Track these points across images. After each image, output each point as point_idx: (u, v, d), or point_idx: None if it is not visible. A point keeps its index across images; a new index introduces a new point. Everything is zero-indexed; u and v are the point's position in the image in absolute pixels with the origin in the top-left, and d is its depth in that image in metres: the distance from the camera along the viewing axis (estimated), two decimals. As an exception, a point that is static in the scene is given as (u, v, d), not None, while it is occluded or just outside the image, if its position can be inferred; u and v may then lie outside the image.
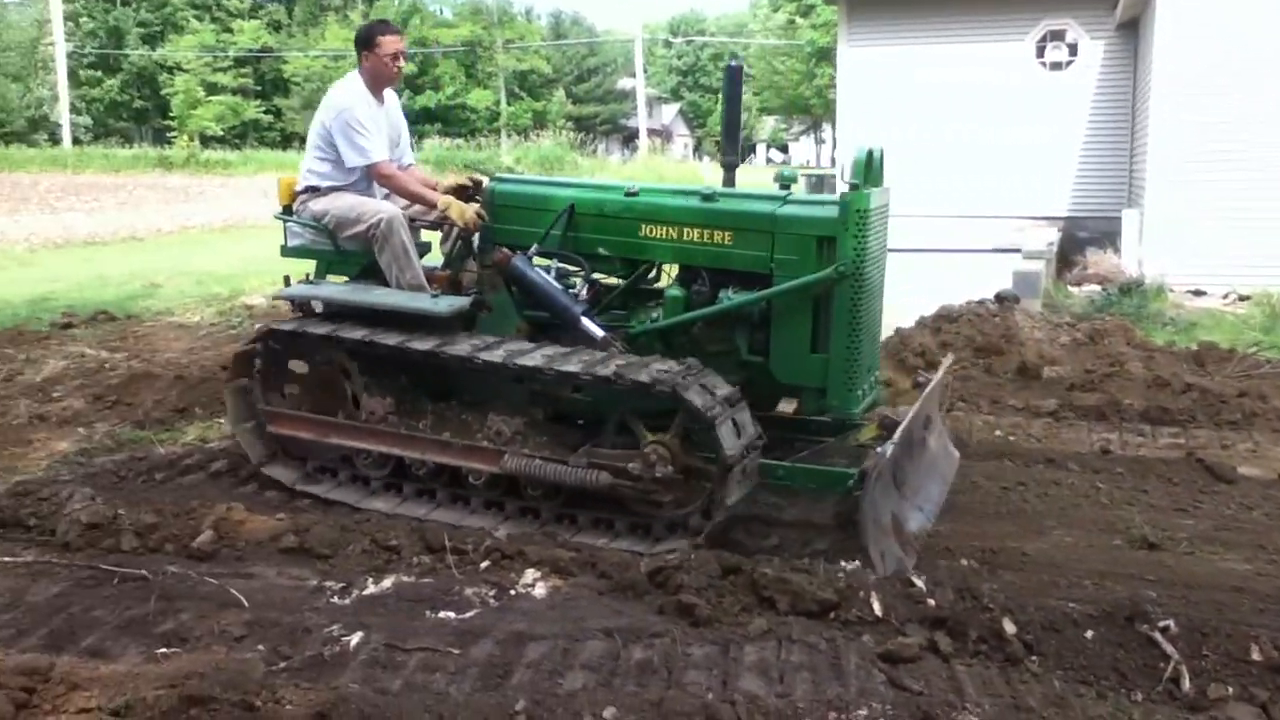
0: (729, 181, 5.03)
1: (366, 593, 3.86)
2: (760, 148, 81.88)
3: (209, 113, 54.48)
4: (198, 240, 16.74)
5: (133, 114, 60.82)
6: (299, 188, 5.33)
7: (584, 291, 4.93)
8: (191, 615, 3.59)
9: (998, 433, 6.21)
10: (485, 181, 5.23)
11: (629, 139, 63.77)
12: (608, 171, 42.15)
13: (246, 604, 3.69)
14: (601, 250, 4.95)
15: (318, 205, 5.21)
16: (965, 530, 4.62)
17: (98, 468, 5.36)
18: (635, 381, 4.25)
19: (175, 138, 48.98)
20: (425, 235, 5.49)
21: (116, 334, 8.81)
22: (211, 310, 9.81)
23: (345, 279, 5.30)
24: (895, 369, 7.35)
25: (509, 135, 56.40)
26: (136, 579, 3.88)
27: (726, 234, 4.66)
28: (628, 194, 4.92)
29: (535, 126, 60.63)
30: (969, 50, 15.26)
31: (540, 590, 3.86)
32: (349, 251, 5.23)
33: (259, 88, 59.98)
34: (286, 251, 5.46)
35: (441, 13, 65.94)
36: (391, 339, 4.74)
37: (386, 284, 5.08)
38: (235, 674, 3.05)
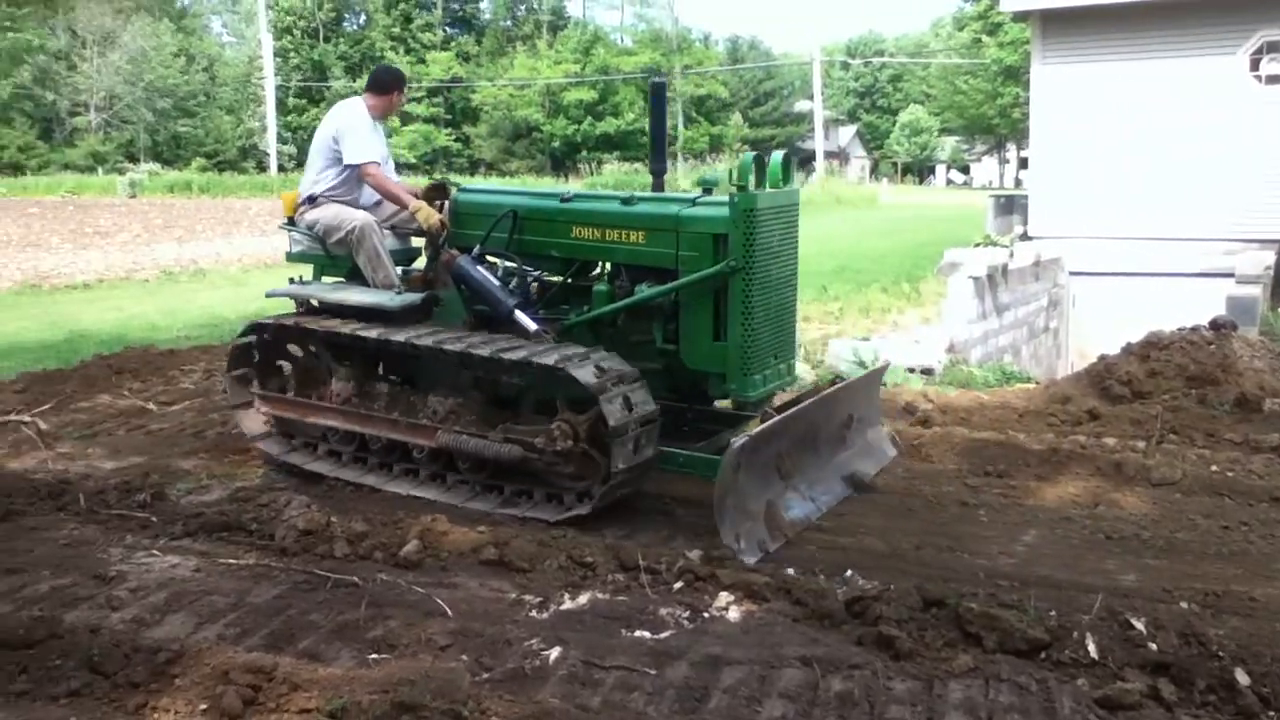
0: (658, 187, 5.59)
1: (564, 607, 3.91)
2: (940, 169, 79.96)
3: (403, 140, 57.14)
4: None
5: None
6: (300, 199, 5.95)
7: (532, 288, 5.54)
8: (399, 622, 3.72)
9: (1214, 468, 5.81)
10: (453, 191, 5.86)
11: (804, 161, 63.33)
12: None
13: (450, 613, 3.80)
14: (542, 251, 5.54)
15: (310, 216, 5.87)
16: (1183, 570, 4.33)
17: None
18: (540, 365, 4.74)
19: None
20: (416, 241, 6.05)
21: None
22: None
23: (335, 280, 5.97)
24: (1099, 397, 7.01)
25: (685, 159, 56.91)
26: (348, 585, 4.05)
27: (640, 234, 5.17)
28: (562, 200, 5.54)
29: (711, 150, 61.01)
30: (1173, 65, 14.46)
31: (734, 614, 3.83)
32: (338, 255, 5.86)
33: (449, 116, 62.49)
34: (290, 257, 6.18)
35: (622, 41, 67.25)
36: (348, 329, 5.38)
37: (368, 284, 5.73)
38: (443, 683, 3.13)
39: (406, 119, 59.05)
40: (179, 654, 3.32)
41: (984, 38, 51.94)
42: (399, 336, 5.19)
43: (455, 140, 61.62)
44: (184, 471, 5.61)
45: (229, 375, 5.90)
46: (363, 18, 69.05)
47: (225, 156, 60.79)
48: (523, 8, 68.88)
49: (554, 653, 3.48)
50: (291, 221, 6.05)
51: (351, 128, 5.75)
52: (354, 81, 62.62)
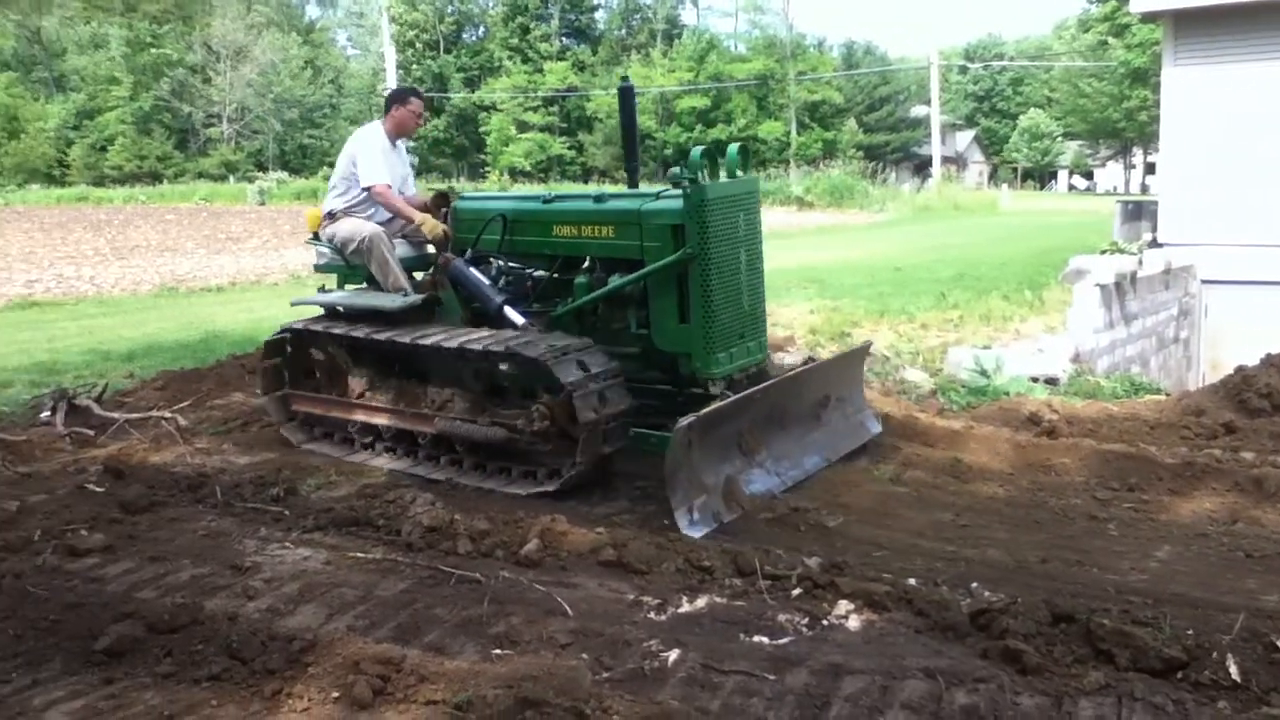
0: (632, 185, 6.08)
1: (682, 610, 3.93)
2: (1062, 175, 77.64)
3: (519, 149, 58.08)
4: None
5: (453, 151, 65.67)
6: (322, 214, 6.53)
7: (527, 284, 6.00)
8: (521, 619, 3.78)
9: (1366, 488, 5.51)
10: (452, 200, 6.36)
11: (921, 167, 62.19)
12: (899, 201, 41.33)
13: (570, 612, 3.85)
14: (530, 250, 6.04)
15: (329, 230, 6.43)
16: (1332, 594, 4.12)
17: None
18: (525, 357, 5.17)
19: (488, 172, 52.49)
20: (432, 249, 6.45)
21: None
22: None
23: (357, 287, 6.50)
24: (1236, 410, 6.72)
25: (798, 165, 56.52)
26: (471, 581, 4.14)
27: (610, 228, 5.63)
28: (544, 201, 6.10)
29: (825, 156, 60.41)
30: (1319, 63, 13.76)
31: (854, 623, 3.79)
32: (356, 265, 6.39)
33: (564, 124, 63.25)
34: (317, 268, 6.77)
35: (736, 48, 67.12)
36: (360, 331, 5.99)
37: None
38: (566, 680, 3.17)
39: (523, 128, 60.04)
40: (312, 643, 3.44)
41: (1110, 40, 50.30)
42: (382, 336, 5.83)
43: (569, 148, 62.34)
44: (313, 468, 5.80)
45: (261, 366, 6.54)
46: (481, 29, 70.49)
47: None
48: (637, 17, 69.34)
49: (673, 655, 3.50)
50: (316, 236, 6.60)
51: (364, 153, 6.31)
52: (472, 93, 64.02)
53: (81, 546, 4.49)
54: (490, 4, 69.42)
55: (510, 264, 6.08)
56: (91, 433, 6.57)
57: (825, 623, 3.80)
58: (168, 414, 6.53)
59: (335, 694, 3.16)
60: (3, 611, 3.78)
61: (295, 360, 6.57)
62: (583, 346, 5.37)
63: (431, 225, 6.11)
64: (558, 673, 3.25)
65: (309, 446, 6.33)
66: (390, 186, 6.29)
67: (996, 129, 77.10)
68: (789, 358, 8.88)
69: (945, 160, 58.27)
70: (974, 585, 4.09)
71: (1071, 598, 3.87)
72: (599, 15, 70.08)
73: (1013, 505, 5.16)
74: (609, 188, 47.58)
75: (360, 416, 6.16)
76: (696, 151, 5.28)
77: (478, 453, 5.65)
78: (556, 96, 62.29)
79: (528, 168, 58.14)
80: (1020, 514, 5.04)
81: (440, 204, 6.33)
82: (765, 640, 3.67)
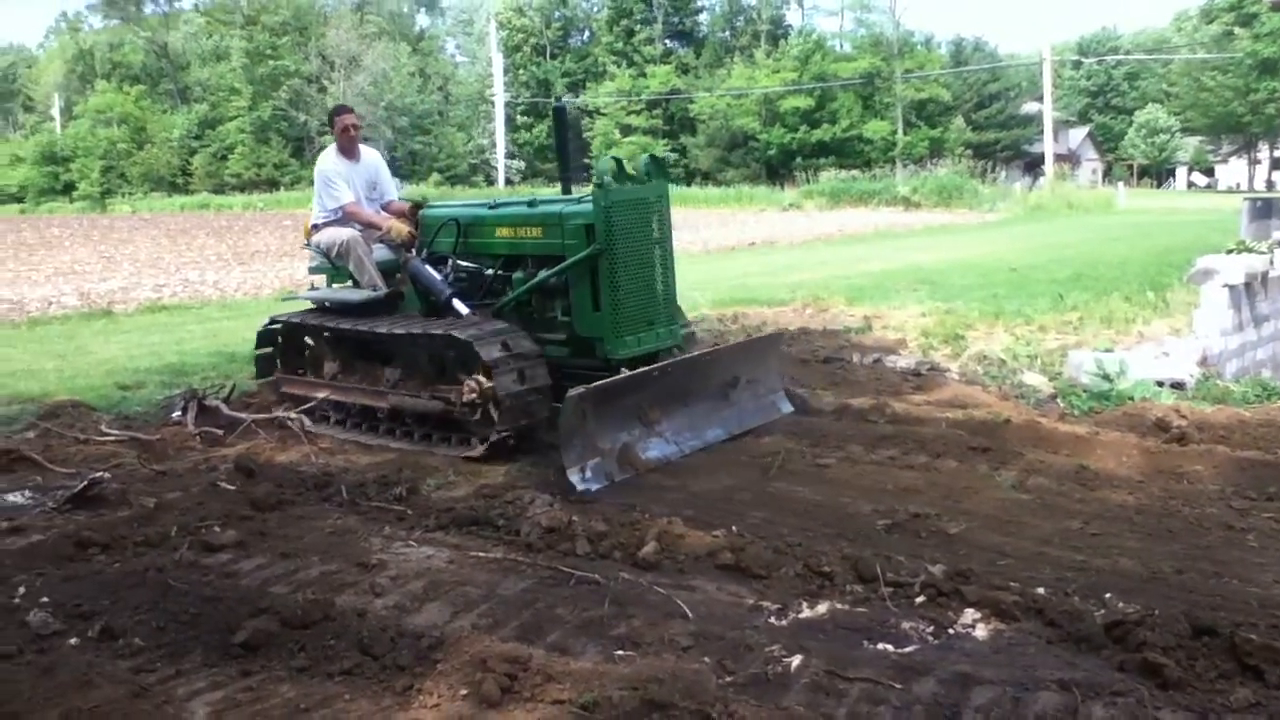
0: (565, 192, 6.73)
1: (802, 616, 3.89)
2: (1180, 171, 74.87)
3: (622, 152, 58.38)
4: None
5: (556, 156, 66.36)
6: (310, 226, 7.45)
7: (479, 281, 6.73)
8: (642, 621, 3.80)
9: None
10: (422, 209, 7.24)
11: (1032, 165, 60.56)
12: (1010, 200, 40.35)
13: (690, 615, 3.85)
14: (480, 250, 6.79)
15: (315, 238, 7.36)
16: None
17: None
18: (455, 339, 5.97)
19: (590, 176, 52.91)
20: None
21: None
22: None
23: (342, 285, 7.37)
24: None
25: (904, 165, 55.65)
26: (591, 582, 4.17)
27: (538, 229, 6.41)
28: (490, 207, 6.93)
29: (931, 155, 59.38)
30: None
31: (981, 632, 3.71)
32: (340, 267, 7.24)
33: (667, 127, 63.43)
34: (310, 270, 7.79)
35: (841, 47, 66.38)
36: (330, 322, 6.96)
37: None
38: (690, 683, 3.17)
39: (627, 131, 60.36)
40: (440, 640, 3.51)
41: (1236, 30, 48.29)
42: (346, 325, 6.80)
43: (672, 150, 62.46)
44: (433, 468, 5.92)
45: (256, 353, 7.57)
46: (587, 34, 71.13)
47: (456, 171, 63.87)
48: (741, 18, 69.13)
49: (795, 660, 3.46)
50: (309, 243, 7.57)
51: (324, 180, 7.27)
52: (576, 97, 64.64)
53: (216, 542, 4.66)
54: (596, 8, 69.98)
55: (464, 263, 6.81)
56: (220, 432, 6.82)
57: (951, 631, 3.73)
58: (293, 415, 6.74)
59: (464, 691, 3.22)
60: (146, 604, 3.94)
61: (285, 348, 7.54)
62: (507, 331, 6.15)
63: (395, 229, 7.00)
64: (682, 676, 3.24)
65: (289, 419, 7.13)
66: (354, 201, 7.23)
67: (1111, 125, 74.81)
68: (901, 361, 8.75)
69: (1058, 158, 56.67)
70: (1107, 596, 3.96)
71: (1212, 610, 3.71)
72: (703, 18, 70.06)
73: (1144, 514, 4.98)
74: (695, 191, 47.55)
75: (330, 395, 7.05)
76: (605, 160, 6.14)
77: (424, 423, 6.46)
78: (659, 99, 62.48)
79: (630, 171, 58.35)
80: (1152, 523, 4.85)
81: (415, 212, 7.20)
82: (890, 648, 3.61)
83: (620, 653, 3.56)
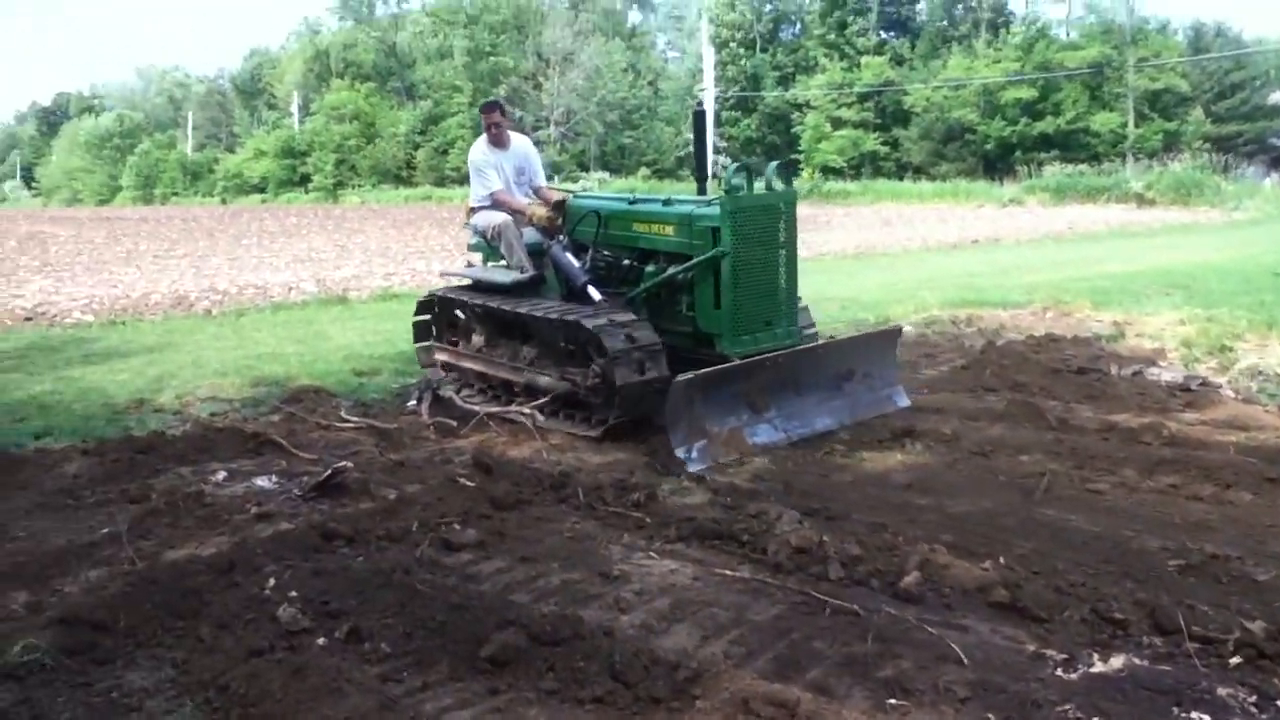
0: (701, 192, 7.20)
1: (1094, 670, 3.44)
2: None
3: (832, 146, 57.35)
4: (833, 267, 17.42)
5: (765, 150, 65.93)
6: (468, 209, 8.00)
7: (617, 270, 7.07)
8: (911, 664, 3.44)
9: None
10: (568, 198, 7.65)
11: (1278, 160, 55.71)
12: (1260, 197, 37.20)
13: (965, 661, 3.46)
14: (618, 242, 7.12)
15: (473, 221, 7.93)
16: None
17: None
18: (584, 327, 6.32)
19: (801, 169, 52.22)
20: None
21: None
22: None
23: (496, 264, 7.92)
24: None
25: (1136, 159, 52.33)
26: (848, 613, 3.83)
27: (671, 227, 6.76)
28: (630, 202, 7.29)
29: (1166, 149, 55.61)
30: None
31: (1320, 707, 3.16)
32: (495, 247, 7.76)
33: (879, 120, 61.86)
34: (469, 248, 8.50)
35: (1068, 35, 62.97)
36: (479, 299, 7.42)
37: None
38: (983, 745, 2.80)
39: (838, 124, 59.21)
40: (697, 673, 3.27)
41: None
42: (493, 303, 7.24)
43: (883, 144, 60.84)
44: (666, 472, 5.71)
45: (415, 320, 8.18)
46: (798, 26, 70.21)
47: (663, 165, 64.36)
48: (960, 6, 66.53)
49: (1098, 725, 3.04)
50: (469, 224, 8.13)
51: (475, 169, 7.81)
52: (785, 91, 63.89)
53: (456, 541, 4.58)
54: (809, 0, 68.88)
55: (605, 253, 7.15)
56: (454, 424, 6.85)
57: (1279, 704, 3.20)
58: (526, 410, 6.68)
59: (727, 733, 2.96)
60: (393, 606, 3.86)
61: (439, 319, 8.10)
62: (632, 324, 6.39)
63: (535, 213, 7.45)
64: (970, 735, 2.88)
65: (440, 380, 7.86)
66: (503, 189, 7.70)
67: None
68: (1165, 374, 7.98)
69: (1314, 152, 51.86)
70: None
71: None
72: (920, 6, 67.85)
73: None
74: (907, 186, 46.33)
75: (473, 366, 7.60)
76: (732, 168, 6.43)
77: (553, 400, 6.83)
78: (872, 91, 60.92)
79: (843, 165, 57.27)
80: None
81: (560, 203, 7.58)
82: (1206, 718, 3.13)
83: (892, 701, 3.22)
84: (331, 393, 7.90)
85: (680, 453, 5.71)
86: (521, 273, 7.38)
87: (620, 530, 4.78)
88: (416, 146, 67.92)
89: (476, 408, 6.94)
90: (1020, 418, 6.59)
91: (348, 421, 7.06)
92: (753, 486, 5.42)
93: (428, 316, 8.15)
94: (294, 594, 4.02)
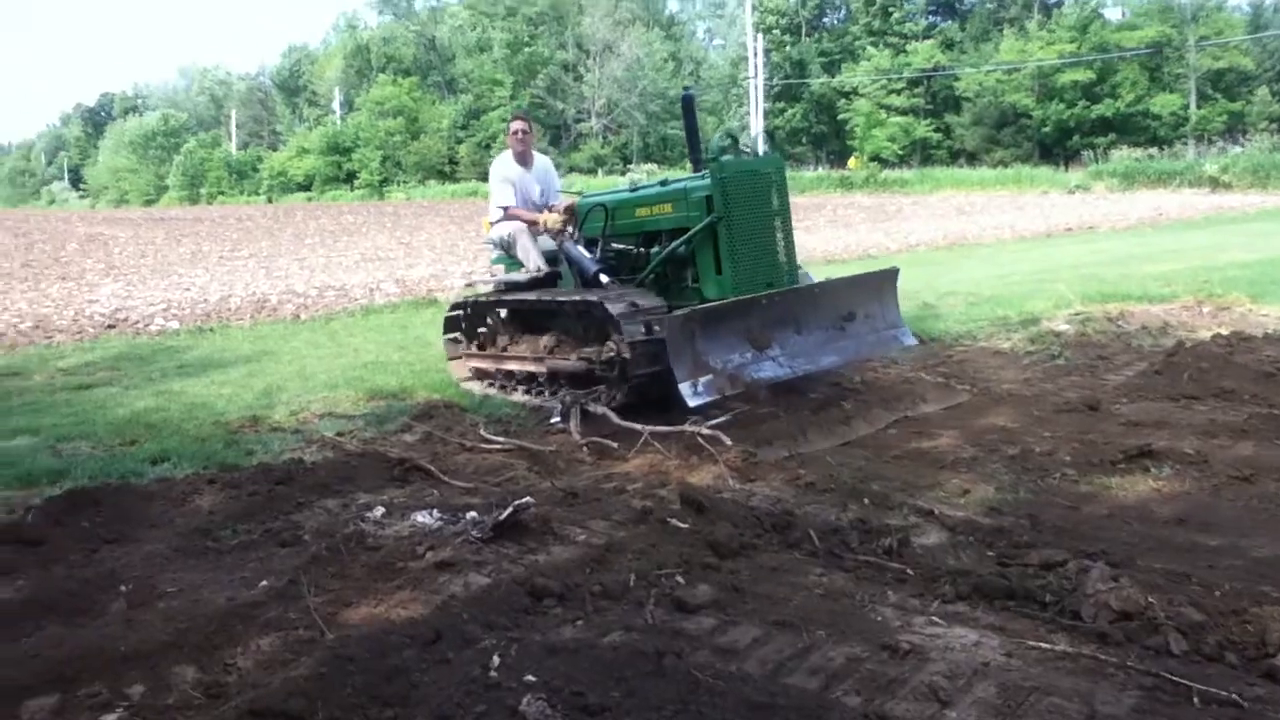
0: (696, 172, 7.35)
1: None
2: None
3: (884, 134, 56.19)
4: (931, 259, 16.60)
5: (811, 138, 64.85)
6: (489, 222, 8.44)
7: (626, 257, 7.48)
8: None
9: None
10: (576, 201, 7.95)
11: (1337, 140, 53.99)
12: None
13: None
14: (626, 230, 7.45)
15: (492, 234, 8.43)
16: None
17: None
18: (589, 301, 6.79)
19: (855, 158, 51.10)
20: None
21: (935, 359, 8.51)
22: (1019, 336, 9.19)
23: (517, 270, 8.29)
24: None
25: (1198, 142, 50.97)
26: (1225, 703, 3.06)
27: (669, 205, 7.09)
28: (632, 190, 7.65)
29: (1227, 131, 54.17)
30: None
31: None
32: (513, 256, 8.19)
33: (930, 106, 60.70)
34: (492, 263, 8.91)
35: (1124, 15, 61.39)
36: (494, 299, 8.00)
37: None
38: None
39: (887, 111, 58.00)
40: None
41: None
42: (510, 297, 7.78)
43: (935, 130, 59.62)
44: (890, 500, 4.93)
45: (445, 337, 8.58)
46: (843, 12, 69.05)
47: (707, 155, 63.52)
48: (1010, -13, 65.09)
49: None
50: (489, 238, 8.64)
51: (492, 186, 8.29)
52: (832, 78, 62.73)
53: (689, 600, 3.84)
54: (854, -15, 67.67)
55: (614, 243, 7.51)
56: (614, 445, 6.12)
57: None
58: (705, 430, 5.90)
59: None
60: (671, 703, 3.08)
61: (468, 328, 8.41)
62: (635, 293, 6.82)
63: (548, 220, 7.81)
64: None
65: (476, 390, 8.00)
66: (514, 205, 8.12)
67: None
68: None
69: (1386, 130, 50.21)
70: None
71: None
72: (968, -11, 66.52)
73: None
74: (964, 172, 45.45)
75: (503, 365, 7.93)
76: (715, 138, 6.89)
77: (574, 384, 7.07)
78: (921, 77, 59.70)
79: (897, 152, 56.07)
80: None
81: (570, 208, 7.87)
82: None
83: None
84: (462, 408, 7.23)
85: (684, 387, 5.94)
86: (538, 272, 7.81)
87: (879, 585, 4.00)
88: (459, 141, 67.47)
89: (637, 426, 6.18)
90: (1269, 433, 5.78)
91: (493, 442, 6.38)
92: (995, 523, 4.64)
93: (459, 325, 8.48)
94: (530, 679, 3.26)
